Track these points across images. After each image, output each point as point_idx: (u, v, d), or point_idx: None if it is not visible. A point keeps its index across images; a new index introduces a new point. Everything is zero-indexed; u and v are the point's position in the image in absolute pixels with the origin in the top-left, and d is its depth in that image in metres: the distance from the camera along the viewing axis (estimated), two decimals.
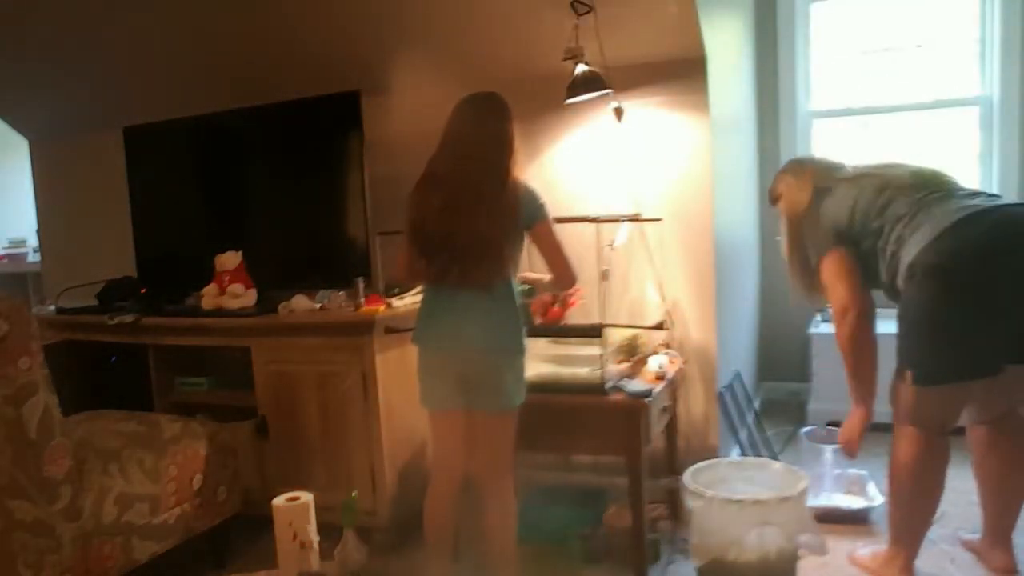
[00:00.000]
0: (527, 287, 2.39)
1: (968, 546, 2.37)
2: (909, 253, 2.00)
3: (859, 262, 2.19)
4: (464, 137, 2.05)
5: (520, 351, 2.08)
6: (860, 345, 2.20)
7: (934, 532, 2.48)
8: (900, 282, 2.05)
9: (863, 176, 2.24)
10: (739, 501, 2.09)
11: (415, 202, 2.08)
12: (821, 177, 2.32)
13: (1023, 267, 1.93)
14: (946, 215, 1.98)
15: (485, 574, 2.17)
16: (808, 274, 2.33)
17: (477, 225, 1.98)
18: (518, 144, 2.07)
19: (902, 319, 2.05)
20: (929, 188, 2.10)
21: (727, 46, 3.23)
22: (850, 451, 2.33)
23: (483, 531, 2.14)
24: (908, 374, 2.03)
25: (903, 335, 2.05)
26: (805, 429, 2.87)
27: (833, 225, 2.22)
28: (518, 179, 2.03)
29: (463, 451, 2.14)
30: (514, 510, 2.14)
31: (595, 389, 2.30)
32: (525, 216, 2.02)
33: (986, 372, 1.97)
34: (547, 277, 2.22)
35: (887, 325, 2.18)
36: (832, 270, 2.22)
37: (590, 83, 2.58)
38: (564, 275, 2.11)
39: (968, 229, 1.94)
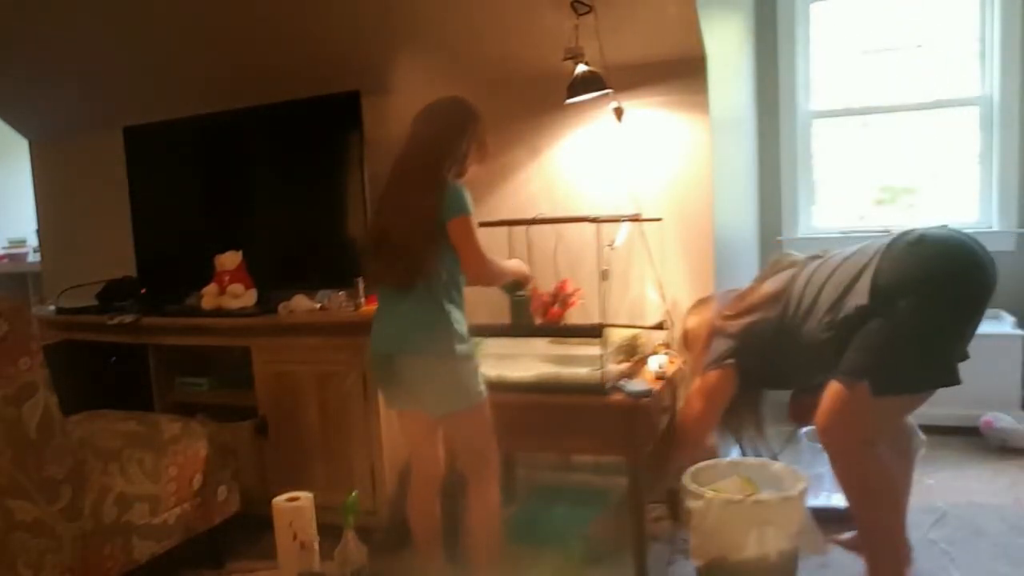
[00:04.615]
0: (515, 288, 2.41)
1: None
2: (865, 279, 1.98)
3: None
4: (408, 142, 2.11)
5: (447, 354, 1.99)
6: (676, 469, 2.33)
7: (934, 532, 2.49)
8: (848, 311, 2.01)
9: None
10: (739, 501, 2.09)
11: (374, 206, 2.16)
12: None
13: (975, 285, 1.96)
14: (875, 247, 2.02)
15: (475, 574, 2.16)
16: None
17: (397, 226, 2.02)
18: (466, 147, 2.08)
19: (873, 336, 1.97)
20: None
21: (727, 46, 3.23)
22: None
23: (465, 531, 2.14)
24: (867, 385, 1.93)
25: (871, 350, 1.96)
26: (805, 429, 2.87)
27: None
28: (444, 182, 2.01)
29: (430, 450, 2.15)
30: (493, 509, 2.10)
31: (595, 389, 2.29)
32: (444, 214, 1.99)
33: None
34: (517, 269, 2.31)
35: None
36: (699, 392, 2.33)
37: (590, 83, 2.58)
38: (471, 270, 2.03)
39: (922, 246, 1.98)
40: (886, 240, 2.03)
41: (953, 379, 1.94)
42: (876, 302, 1.95)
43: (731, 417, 2.40)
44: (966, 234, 2.02)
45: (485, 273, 2.07)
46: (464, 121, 2.10)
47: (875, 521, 2.05)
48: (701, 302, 2.51)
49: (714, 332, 2.32)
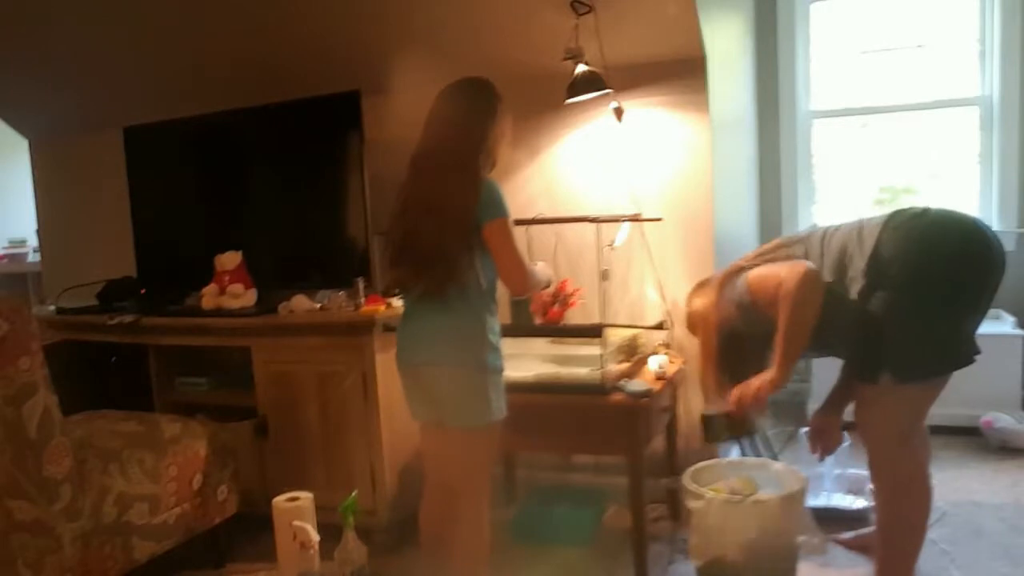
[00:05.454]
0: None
1: None
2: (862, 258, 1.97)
3: None
4: (431, 134, 1.94)
5: (478, 367, 1.89)
6: (820, 301, 2.00)
7: (934, 532, 2.48)
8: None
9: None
10: (738, 501, 2.09)
11: (393, 205, 2.01)
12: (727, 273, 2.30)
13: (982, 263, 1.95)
14: (877, 222, 2.00)
15: None
16: (741, 361, 2.21)
17: (429, 231, 1.87)
18: (498, 133, 1.93)
19: (877, 320, 1.94)
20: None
21: (727, 46, 3.23)
22: (748, 404, 2.12)
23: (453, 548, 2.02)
24: (890, 376, 1.92)
25: (884, 339, 1.93)
26: (805, 429, 2.87)
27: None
28: (480, 178, 1.87)
29: (448, 461, 2.06)
30: (480, 532, 1.98)
31: (595, 389, 2.30)
32: (479, 216, 1.85)
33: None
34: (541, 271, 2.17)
35: None
36: (763, 268, 2.10)
37: (590, 83, 2.58)
38: (510, 280, 1.91)
39: (916, 221, 1.97)
40: (889, 212, 2.02)
41: (969, 359, 1.93)
42: (875, 275, 1.94)
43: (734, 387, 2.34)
44: (967, 213, 2.02)
45: (525, 284, 1.93)
46: (492, 105, 1.93)
47: (901, 518, 2.03)
48: (702, 284, 2.44)
49: (727, 278, 2.22)
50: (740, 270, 2.20)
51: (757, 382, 2.09)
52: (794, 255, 2.12)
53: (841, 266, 2.02)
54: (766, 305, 2.06)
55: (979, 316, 1.99)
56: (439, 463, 2.10)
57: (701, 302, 2.37)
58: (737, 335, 2.21)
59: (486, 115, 1.93)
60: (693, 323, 2.43)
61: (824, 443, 2.43)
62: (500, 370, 1.95)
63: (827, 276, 2.04)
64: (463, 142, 1.90)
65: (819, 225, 2.32)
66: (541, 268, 2.22)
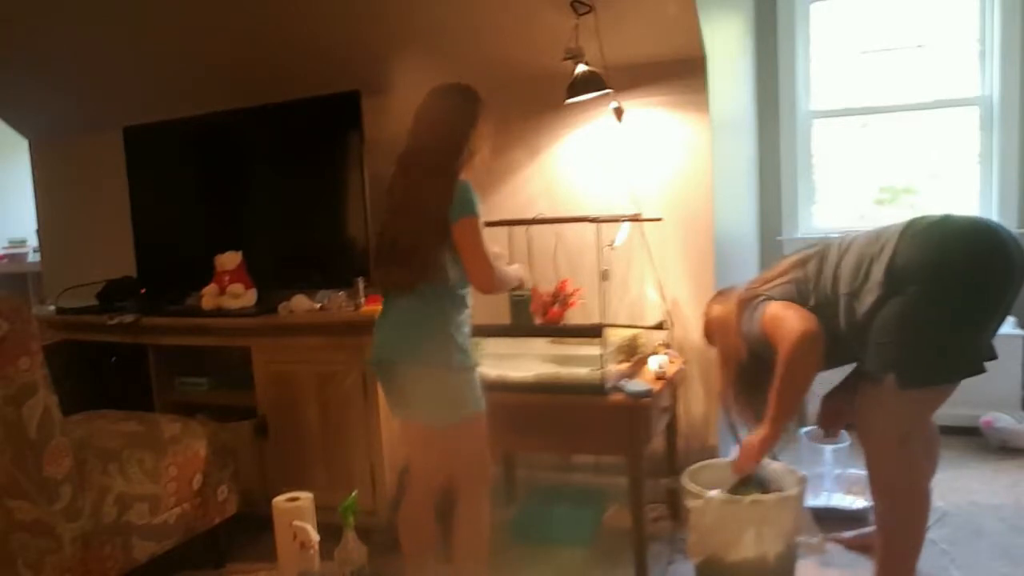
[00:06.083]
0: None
1: None
2: (882, 261, 1.96)
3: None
4: (414, 137, 2.02)
5: (443, 365, 1.93)
6: (817, 366, 2.06)
7: (934, 532, 2.49)
8: (870, 300, 1.98)
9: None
10: (737, 500, 2.09)
11: (382, 205, 2.08)
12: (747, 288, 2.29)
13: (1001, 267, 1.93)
14: (904, 227, 1.99)
15: None
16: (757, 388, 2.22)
17: (408, 230, 1.94)
18: (478, 137, 2.00)
19: (891, 326, 1.94)
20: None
21: (727, 46, 3.23)
22: (747, 464, 2.19)
23: (453, 543, 2.05)
24: (894, 379, 1.91)
25: (892, 342, 1.93)
26: (805, 429, 2.87)
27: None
28: (455, 180, 1.93)
29: (426, 460, 2.09)
30: (482, 525, 2.02)
31: (595, 389, 2.30)
32: (450, 216, 1.91)
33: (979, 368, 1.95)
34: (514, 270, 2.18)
35: None
36: (778, 309, 2.10)
37: (590, 83, 2.58)
38: (476, 279, 1.95)
39: (941, 228, 1.95)
40: (907, 220, 2.01)
41: (977, 368, 1.92)
42: (892, 283, 1.93)
43: (750, 402, 2.31)
44: (991, 220, 2.01)
45: (491, 284, 1.96)
46: (473, 110, 2.01)
47: (900, 520, 2.03)
48: (722, 292, 2.44)
49: (744, 303, 2.23)
50: (756, 296, 2.19)
51: (753, 440, 2.16)
52: (809, 276, 2.13)
53: (858, 274, 2.01)
54: (777, 345, 2.08)
55: (997, 323, 1.99)
56: (419, 461, 2.12)
57: (721, 309, 2.37)
58: (753, 356, 2.23)
59: (466, 120, 1.99)
60: (711, 332, 2.44)
61: (831, 422, 2.44)
62: (470, 367, 1.98)
63: (844, 286, 2.04)
64: (442, 145, 1.97)
65: (819, 226, 2.32)
66: (515, 269, 2.24)
